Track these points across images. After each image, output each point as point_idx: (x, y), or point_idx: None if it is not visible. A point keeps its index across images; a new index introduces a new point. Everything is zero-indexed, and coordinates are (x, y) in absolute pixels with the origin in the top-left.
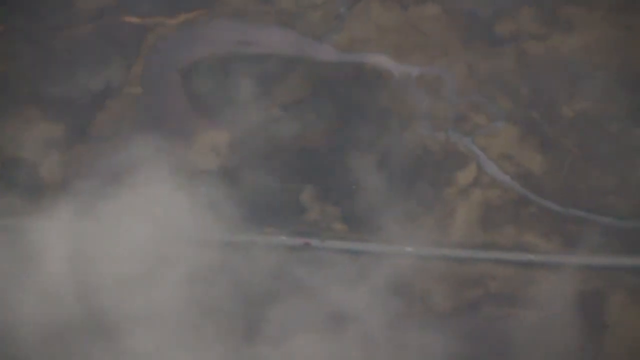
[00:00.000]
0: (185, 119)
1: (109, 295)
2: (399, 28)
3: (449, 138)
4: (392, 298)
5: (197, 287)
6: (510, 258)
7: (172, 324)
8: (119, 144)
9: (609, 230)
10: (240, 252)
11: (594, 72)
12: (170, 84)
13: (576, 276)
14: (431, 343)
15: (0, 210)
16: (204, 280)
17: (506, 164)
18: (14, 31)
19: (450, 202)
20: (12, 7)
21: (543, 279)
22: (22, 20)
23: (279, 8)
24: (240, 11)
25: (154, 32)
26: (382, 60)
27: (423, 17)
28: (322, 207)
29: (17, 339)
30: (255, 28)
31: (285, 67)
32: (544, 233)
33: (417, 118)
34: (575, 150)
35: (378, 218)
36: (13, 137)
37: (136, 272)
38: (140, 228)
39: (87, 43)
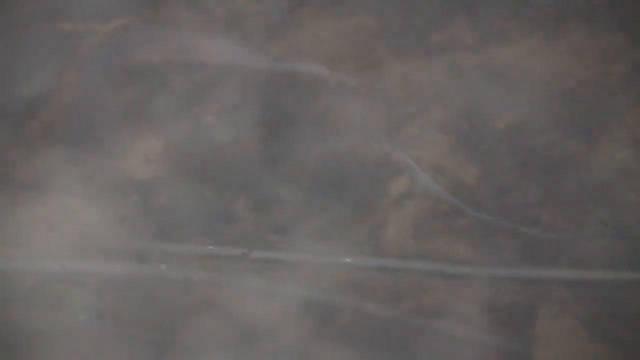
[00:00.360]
0: (118, 127)
1: (15, 309)
2: (334, 37)
3: (382, 148)
4: (321, 310)
5: (112, 301)
6: (441, 269)
7: (80, 340)
8: (48, 152)
9: (539, 242)
10: (168, 263)
11: (526, 84)
12: (102, 92)
13: (506, 288)
14: (357, 356)
15: None
16: (120, 294)
17: (439, 175)
18: None
19: (383, 213)
20: None
21: (473, 291)
22: None
23: (214, 16)
24: (174, 19)
25: (86, 39)
26: (316, 70)
27: (358, 27)
28: (256, 216)
29: None
30: (190, 36)
31: (220, 76)
32: (475, 245)
33: (351, 128)
34: (506, 162)
35: (310, 228)
36: None
37: (46, 284)
38: (63, 237)
39: (18, 49)
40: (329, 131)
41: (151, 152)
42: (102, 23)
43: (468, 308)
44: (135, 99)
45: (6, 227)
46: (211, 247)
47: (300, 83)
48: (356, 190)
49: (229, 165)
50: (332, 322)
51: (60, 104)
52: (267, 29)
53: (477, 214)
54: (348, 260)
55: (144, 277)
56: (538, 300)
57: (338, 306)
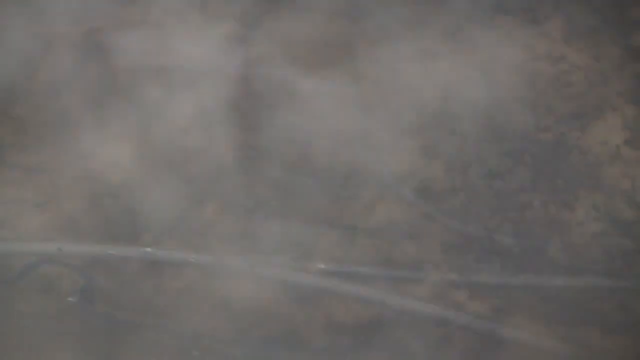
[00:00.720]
0: (90, 129)
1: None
2: (307, 42)
3: (355, 153)
4: (292, 317)
5: (74, 307)
6: (412, 276)
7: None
8: (20, 151)
9: (509, 250)
10: (141, 268)
11: (497, 90)
12: (75, 94)
13: (477, 294)
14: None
15: None
16: (81, 299)
17: (410, 181)
18: None
19: (355, 219)
20: None
21: (443, 297)
22: None
23: (187, 21)
24: (148, 23)
25: (59, 41)
26: (289, 74)
27: (331, 32)
28: (227, 220)
29: None
30: (163, 40)
31: (193, 80)
32: (446, 251)
33: (323, 133)
34: (478, 168)
35: (282, 234)
36: None
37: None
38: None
39: None
40: (302, 135)
41: (123, 155)
42: (75, 26)
43: (437, 313)
44: (109, 101)
45: None
46: (181, 249)
47: (274, 86)
48: (328, 196)
49: (201, 168)
50: (304, 327)
51: (33, 105)
52: (241, 31)
53: (448, 220)
54: (322, 266)
55: (108, 285)
56: (508, 307)
57: (309, 313)
